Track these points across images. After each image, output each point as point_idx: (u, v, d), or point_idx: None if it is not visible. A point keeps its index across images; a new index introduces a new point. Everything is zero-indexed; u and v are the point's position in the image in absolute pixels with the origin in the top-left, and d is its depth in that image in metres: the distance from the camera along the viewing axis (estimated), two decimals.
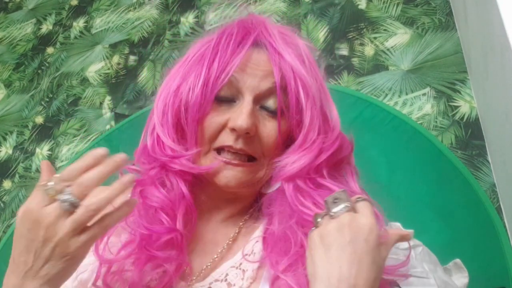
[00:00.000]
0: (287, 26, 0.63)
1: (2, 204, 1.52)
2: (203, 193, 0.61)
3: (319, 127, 0.58)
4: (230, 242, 0.60)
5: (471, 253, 0.95)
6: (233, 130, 0.56)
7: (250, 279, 0.56)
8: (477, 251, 0.96)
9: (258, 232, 0.60)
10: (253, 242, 0.59)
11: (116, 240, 0.57)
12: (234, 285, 0.56)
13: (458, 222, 1.00)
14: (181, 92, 0.59)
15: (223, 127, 0.58)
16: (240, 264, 0.57)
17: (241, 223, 0.62)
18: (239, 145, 0.57)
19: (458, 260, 0.75)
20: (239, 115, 0.56)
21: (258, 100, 0.58)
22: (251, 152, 0.58)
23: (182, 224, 0.56)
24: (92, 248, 0.53)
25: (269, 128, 0.58)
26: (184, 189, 0.57)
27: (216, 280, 0.57)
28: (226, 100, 0.58)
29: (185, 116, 0.58)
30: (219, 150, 0.58)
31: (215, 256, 0.59)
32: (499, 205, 1.04)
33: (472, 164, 1.11)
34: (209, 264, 0.58)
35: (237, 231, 0.61)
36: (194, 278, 0.58)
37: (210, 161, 0.58)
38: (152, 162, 0.59)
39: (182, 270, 0.56)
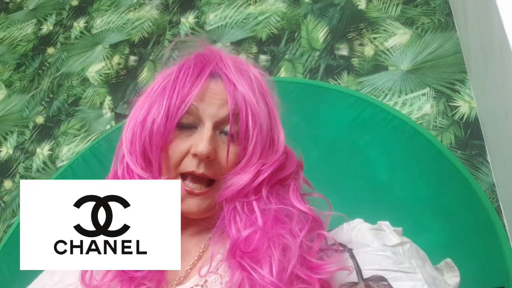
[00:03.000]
0: (238, 56, 0.69)
1: (2, 204, 1.52)
2: None
3: (261, 152, 0.63)
4: (201, 253, 0.65)
5: (470, 253, 0.95)
6: (195, 155, 0.61)
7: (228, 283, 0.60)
8: (476, 251, 0.97)
9: (225, 247, 0.64)
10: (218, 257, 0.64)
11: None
12: None
13: (458, 222, 1.01)
14: (146, 122, 0.63)
15: (186, 153, 0.62)
16: (217, 269, 0.62)
17: (210, 235, 0.66)
18: (200, 170, 0.62)
19: (449, 260, 0.75)
20: (200, 141, 0.61)
21: (218, 126, 0.63)
22: (211, 176, 0.63)
23: None
24: (77, 275, 0.61)
25: (230, 153, 0.62)
26: None
27: (196, 285, 0.61)
28: (188, 127, 0.63)
29: (150, 145, 0.63)
30: (184, 176, 0.63)
31: (188, 268, 0.63)
32: (499, 205, 1.04)
33: (471, 164, 1.11)
34: (182, 275, 0.63)
35: (207, 243, 0.66)
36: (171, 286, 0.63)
37: None
38: None
39: (161, 284, 0.62)
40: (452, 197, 1.03)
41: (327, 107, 1.23)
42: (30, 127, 1.68)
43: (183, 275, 0.63)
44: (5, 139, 1.69)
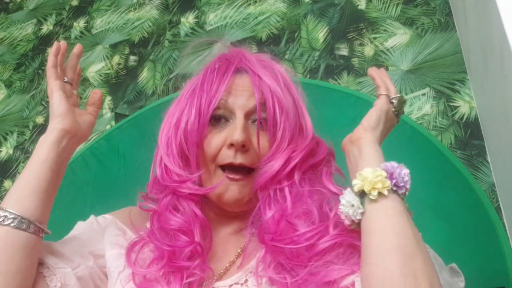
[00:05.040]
0: (263, 53, 0.73)
1: None
2: (211, 211, 0.70)
3: (290, 138, 0.66)
4: (240, 252, 0.66)
5: (471, 253, 0.95)
6: (231, 145, 0.64)
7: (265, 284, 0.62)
8: (476, 251, 0.96)
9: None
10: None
11: (143, 256, 0.64)
12: None
13: (458, 222, 1.00)
14: (180, 124, 0.67)
15: (221, 146, 0.65)
16: (257, 269, 0.63)
17: (250, 235, 0.67)
18: (238, 160, 0.64)
19: (454, 265, 0.75)
20: (234, 130, 0.64)
21: (248, 116, 0.66)
22: (249, 164, 0.65)
23: (200, 237, 0.64)
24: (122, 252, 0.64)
25: (262, 140, 0.65)
26: (196, 209, 0.65)
27: (236, 283, 0.63)
28: (220, 122, 0.66)
29: (186, 144, 0.66)
30: (222, 168, 0.66)
31: (227, 265, 0.65)
32: (499, 205, 1.04)
33: (471, 164, 1.11)
34: (221, 270, 0.65)
35: (245, 242, 0.67)
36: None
37: (217, 179, 0.65)
38: (163, 190, 0.68)
39: (207, 275, 0.64)
40: (452, 197, 1.03)
41: (327, 107, 1.23)
42: (30, 127, 1.68)
43: (222, 271, 0.65)
44: (5, 139, 1.69)
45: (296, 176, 0.65)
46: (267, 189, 0.65)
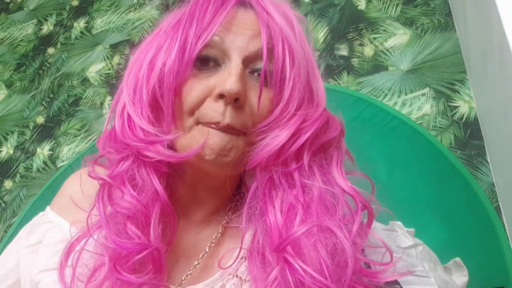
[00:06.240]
0: None
1: (3, 204, 1.52)
2: (180, 183, 0.53)
3: (299, 101, 0.50)
4: (213, 245, 0.54)
5: (470, 253, 0.95)
6: (220, 96, 0.47)
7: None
8: (476, 250, 0.97)
9: (245, 240, 0.53)
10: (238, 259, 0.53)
11: (84, 262, 0.49)
12: None
13: (457, 222, 1.01)
14: (156, 64, 0.50)
15: (206, 95, 0.49)
16: (237, 269, 0.52)
17: (224, 222, 0.55)
18: (227, 119, 0.47)
19: (458, 259, 0.75)
20: (228, 77, 0.47)
21: (247, 63, 0.49)
22: (240, 127, 0.48)
23: (158, 232, 0.48)
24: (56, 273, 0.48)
25: (263, 97, 0.49)
26: (158, 186, 0.48)
27: None
28: (209, 64, 0.49)
29: (160, 89, 0.49)
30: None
31: (196, 263, 0.53)
32: (498, 205, 1.04)
33: (471, 164, 1.11)
34: (190, 272, 0.53)
35: (220, 231, 0.55)
36: None
37: (195, 136, 0.49)
38: (122, 149, 0.50)
39: None
40: (452, 197, 1.04)
41: (327, 107, 1.24)
42: (31, 127, 1.68)
43: (190, 273, 0.52)
44: (6, 139, 1.69)
45: (305, 158, 0.50)
46: (269, 171, 0.49)
